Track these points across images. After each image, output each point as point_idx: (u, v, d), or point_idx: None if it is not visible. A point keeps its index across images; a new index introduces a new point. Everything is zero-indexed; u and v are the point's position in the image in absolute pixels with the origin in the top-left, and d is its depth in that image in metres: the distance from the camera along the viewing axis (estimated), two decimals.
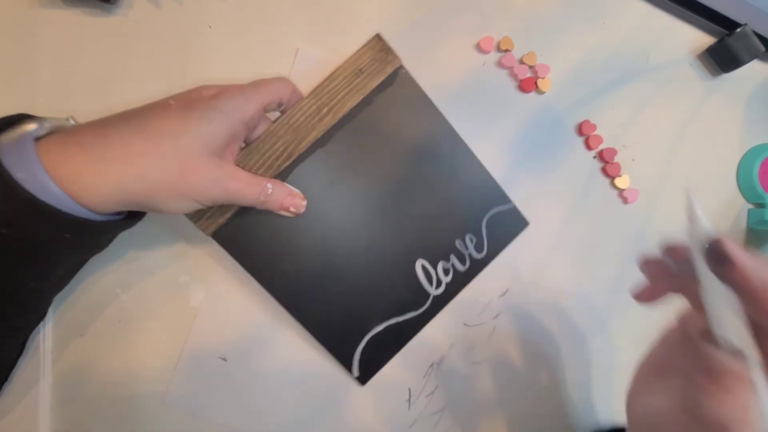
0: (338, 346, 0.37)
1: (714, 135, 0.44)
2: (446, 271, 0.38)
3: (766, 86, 0.45)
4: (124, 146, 0.26)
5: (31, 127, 0.26)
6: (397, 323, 0.37)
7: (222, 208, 0.32)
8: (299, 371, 0.37)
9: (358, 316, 0.36)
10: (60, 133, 0.26)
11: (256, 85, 0.30)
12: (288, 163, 0.32)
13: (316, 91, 0.32)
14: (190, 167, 0.27)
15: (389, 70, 0.33)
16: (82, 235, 0.26)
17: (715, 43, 0.42)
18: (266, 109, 0.31)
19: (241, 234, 0.33)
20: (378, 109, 0.34)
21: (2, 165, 0.23)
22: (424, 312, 0.38)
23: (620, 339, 0.42)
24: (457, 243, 0.37)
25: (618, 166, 0.41)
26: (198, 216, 0.32)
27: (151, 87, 0.35)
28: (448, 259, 0.37)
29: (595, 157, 0.41)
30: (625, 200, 0.42)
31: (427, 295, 0.37)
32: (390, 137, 0.35)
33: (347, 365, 0.37)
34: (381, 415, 0.39)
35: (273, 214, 0.33)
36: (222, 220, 0.32)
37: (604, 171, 0.41)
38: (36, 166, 0.24)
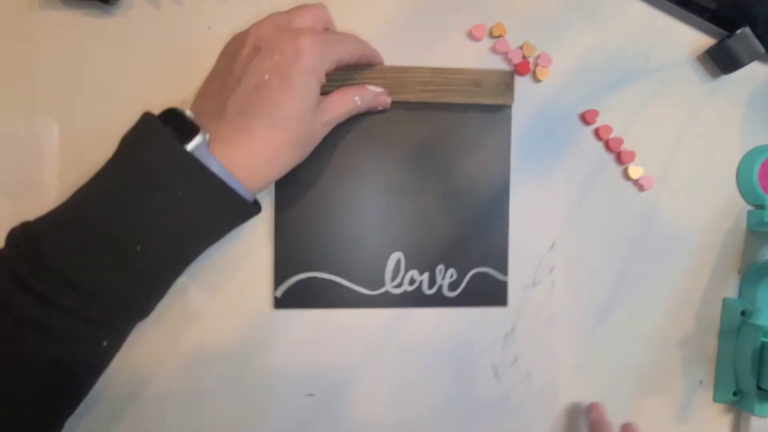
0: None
1: (714, 136, 0.44)
2: (412, 281, 0.37)
3: (766, 88, 0.45)
4: (272, 144, 0.30)
5: (199, 138, 0.29)
6: (336, 283, 0.36)
7: None
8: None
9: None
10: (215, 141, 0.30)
11: (355, 40, 0.33)
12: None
13: (436, 71, 0.35)
14: (310, 131, 0.32)
15: (500, 101, 0.36)
16: (243, 218, 0.32)
17: (714, 45, 0.42)
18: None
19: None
20: (466, 122, 0.37)
21: (203, 163, 0.28)
22: (370, 296, 0.37)
23: (623, 332, 0.42)
24: (438, 268, 0.37)
25: (632, 154, 0.41)
26: None
27: (151, 87, 0.35)
28: (422, 272, 0.37)
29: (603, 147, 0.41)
30: (641, 188, 0.42)
31: (382, 285, 0.37)
32: (454, 152, 0.37)
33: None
34: (479, 399, 0.40)
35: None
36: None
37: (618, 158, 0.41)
38: (215, 163, 0.28)
